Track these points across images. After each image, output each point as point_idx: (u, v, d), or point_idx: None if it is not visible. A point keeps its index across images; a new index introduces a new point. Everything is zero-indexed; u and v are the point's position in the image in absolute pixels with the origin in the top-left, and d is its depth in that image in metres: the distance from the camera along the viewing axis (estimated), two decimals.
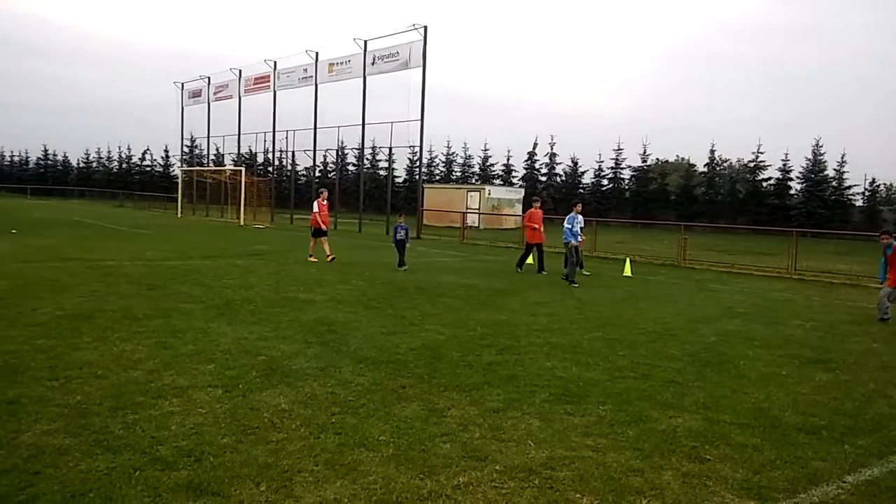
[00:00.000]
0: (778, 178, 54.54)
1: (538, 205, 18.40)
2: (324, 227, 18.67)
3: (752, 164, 56.28)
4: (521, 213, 43.20)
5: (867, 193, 53.12)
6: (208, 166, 52.60)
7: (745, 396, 6.58)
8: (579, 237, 16.58)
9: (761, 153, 55.24)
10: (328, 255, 18.08)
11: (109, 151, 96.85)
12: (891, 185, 59.96)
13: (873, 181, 53.27)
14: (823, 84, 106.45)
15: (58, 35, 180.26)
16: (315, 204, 19.01)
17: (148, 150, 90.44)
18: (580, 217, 16.82)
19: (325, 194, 19.64)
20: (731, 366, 7.86)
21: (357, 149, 39.42)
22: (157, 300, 10.66)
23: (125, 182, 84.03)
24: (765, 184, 55.38)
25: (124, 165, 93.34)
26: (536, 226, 17.78)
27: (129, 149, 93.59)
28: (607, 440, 5.19)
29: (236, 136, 45.90)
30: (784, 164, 54.10)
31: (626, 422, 5.64)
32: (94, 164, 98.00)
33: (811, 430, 5.61)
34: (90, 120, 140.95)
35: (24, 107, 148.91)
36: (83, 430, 4.92)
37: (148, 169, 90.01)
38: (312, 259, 18.13)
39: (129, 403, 5.56)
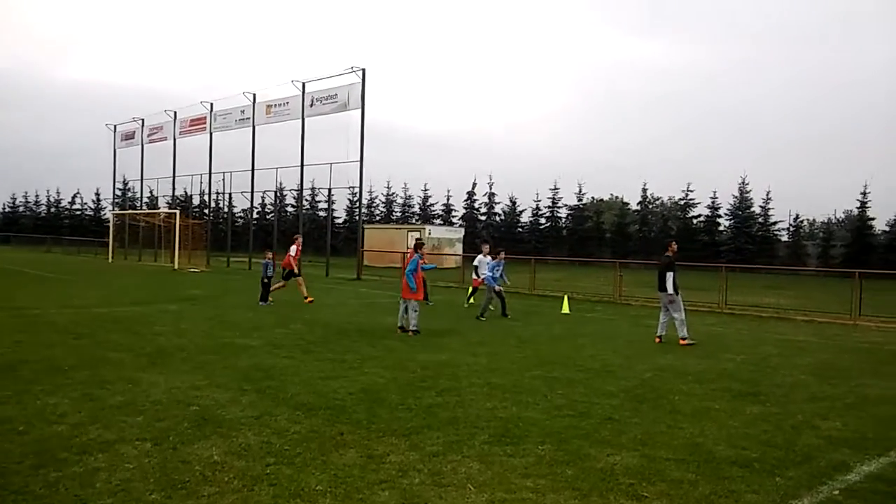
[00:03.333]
0: (707, 216, 56.48)
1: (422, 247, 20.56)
2: (294, 269, 18.93)
3: (682, 202, 58.20)
4: (460, 253, 43.53)
5: (792, 229, 55.49)
6: (141, 209, 51.37)
7: (680, 431, 6.69)
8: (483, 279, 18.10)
9: (691, 191, 57.29)
10: (306, 297, 18.50)
11: (37, 195, 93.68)
12: (813, 220, 62.86)
13: (797, 217, 55.79)
14: (747, 123, 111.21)
15: None
16: (293, 248, 19.13)
17: (78, 193, 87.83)
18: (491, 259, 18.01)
19: (300, 240, 19.64)
20: (667, 401, 8.00)
21: (296, 190, 39.14)
22: (85, 350, 10.27)
23: (54, 227, 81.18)
24: (695, 221, 57.25)
25: (53, 209, 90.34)
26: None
27: (57, 192, 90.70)
28: (546, 481, 5.19)
29: (171, 179, 45.07)
30: (713, 202, 56.14)
31: (565, 461, 5.66)
32: (21, 209, 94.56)
33: (744, 464, 5.74)
34: (15, 163, 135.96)
35: None
36: (1, 490, 4.66)
37: (78, 213, 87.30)
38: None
39: (52, 460, 5.31)
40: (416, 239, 16.11)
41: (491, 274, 16.91)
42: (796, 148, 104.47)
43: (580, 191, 61.97)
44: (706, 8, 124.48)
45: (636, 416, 7.23)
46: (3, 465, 5.17)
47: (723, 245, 54.06)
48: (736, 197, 54.97)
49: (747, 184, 54.66)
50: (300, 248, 19.48)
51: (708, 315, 19.04)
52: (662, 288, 13.07)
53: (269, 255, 18.78)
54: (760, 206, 54.41)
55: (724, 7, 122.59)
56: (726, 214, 55.67)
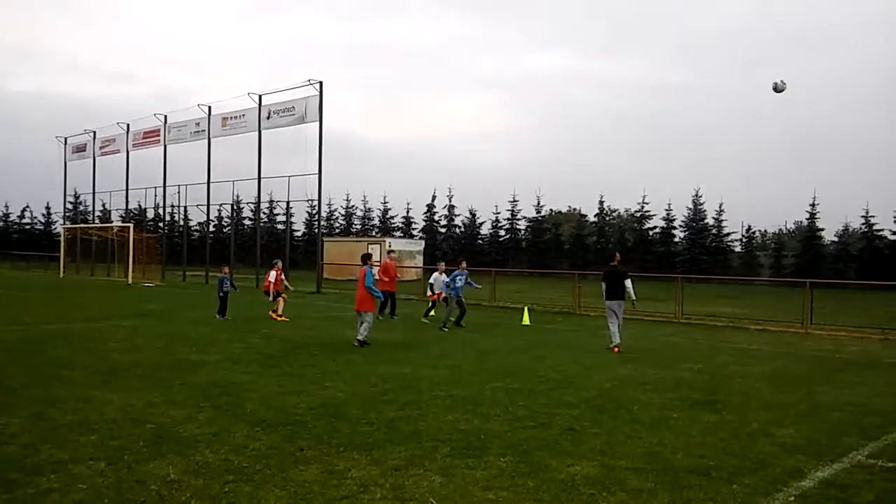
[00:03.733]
0: (663, 227, 57.45)
1: (393, 256, 21.30)
2: (271, 293, 18.48)
3: (638, 214, 59.11)
4: (421, 265, 43.53)
5: (744, 240, 56.78)
6: (94, 223, 50.23)
7: (640, 441, 6.77)
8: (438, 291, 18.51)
9: (647, 203, 58.22)
10: (275, 311, 18.13)
11: None
12: (765, 231, 64.45)
13: (749, 228, 57.15)
14: (699, 138, 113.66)
15: None
16: (272, 273, 18.80)
17: (27, 207, 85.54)
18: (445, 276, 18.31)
19: (280, 265, 19.26)
20: (626, 411, 8.09)
21: (253, 203, 38.73)
22: (35, 368, 9.98)
23: (2, 241, 78.83)
24: (651, 232, 58.18)
25: (0, 224, 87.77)
26: (387, 278, 19.22)
27: (6, 206, 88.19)
28: (508, 493, 5.20)
29: (124, 192, 44.16)
30: (668, 214, 57.15)
31: (527, 472, 5.68)
32: None
33: (702, 472, 5.82)
34: None
35: None
36: None
37: (27, 227, 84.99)
38: (284, 319, 17.82)
39: (2, 481, 5.14)
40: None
41: (457, 284, 16.93)
42: (747, 161, 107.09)
43: (538, 203, 62.57)
44: (662, 29, 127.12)
45: (596, 427, 7.29)
46: None
47: (678, 256, 55.02)
48: (690, 209, 56.09)
49: (700, 196, 55.86)
50: (280, 272, 19.14)
51: (665, 325, 19.33)
52: (616, 296, 13.44)
53: (226, 269, 18.78)
54: (714, 218, 55.61)
55: (678, 27, 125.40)
56: (681, 226, 56.73)
